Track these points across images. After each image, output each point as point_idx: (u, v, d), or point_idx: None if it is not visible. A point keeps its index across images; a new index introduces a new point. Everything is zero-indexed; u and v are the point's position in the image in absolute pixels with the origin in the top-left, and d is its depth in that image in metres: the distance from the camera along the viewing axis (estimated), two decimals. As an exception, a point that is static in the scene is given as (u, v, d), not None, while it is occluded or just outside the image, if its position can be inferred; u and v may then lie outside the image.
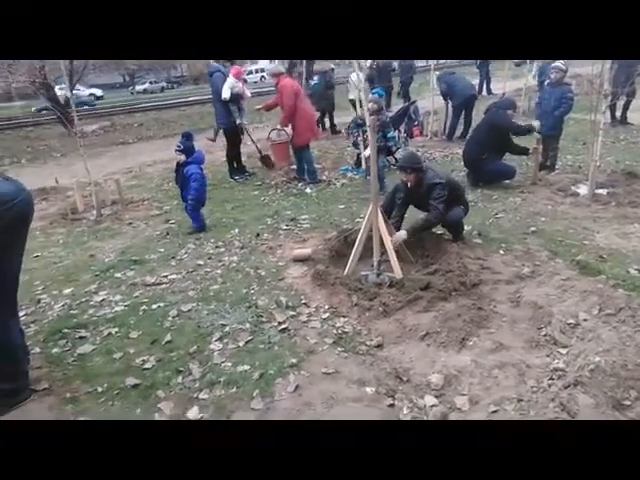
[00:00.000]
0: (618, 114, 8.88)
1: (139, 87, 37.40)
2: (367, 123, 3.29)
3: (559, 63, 6.68)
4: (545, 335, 2.76)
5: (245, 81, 7.40)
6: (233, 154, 7.05)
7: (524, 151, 5.84)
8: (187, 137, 4.99)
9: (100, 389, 2.52)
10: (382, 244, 3.45)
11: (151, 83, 38.27)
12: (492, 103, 6.35)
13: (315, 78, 10.14)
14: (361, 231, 3.57)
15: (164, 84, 39.66)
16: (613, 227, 4.35)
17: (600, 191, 5.24)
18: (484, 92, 13.95)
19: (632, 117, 8.83)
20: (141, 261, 4.21)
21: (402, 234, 3.73)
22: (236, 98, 6.55)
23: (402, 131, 7.75)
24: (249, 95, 6.98)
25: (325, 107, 10.01)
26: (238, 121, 6.70)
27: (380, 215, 3.42)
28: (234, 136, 6.89)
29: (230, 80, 6.51)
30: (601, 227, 4.37)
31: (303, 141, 6.33)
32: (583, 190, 5.36)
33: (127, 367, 2.70)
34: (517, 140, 5.92)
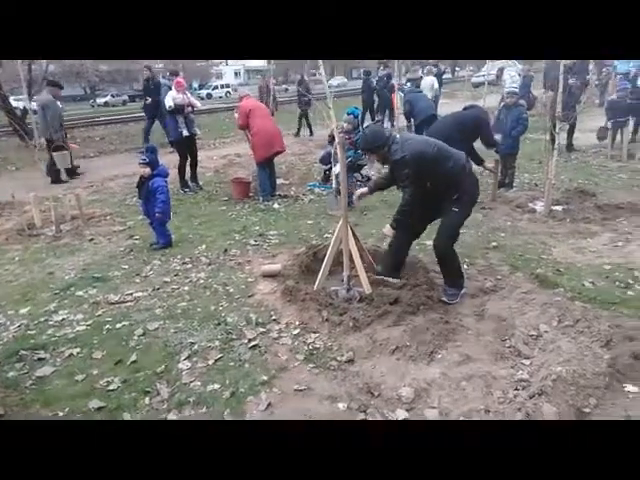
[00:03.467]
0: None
1: (100, 100, 36.52)
2: (336, 141, 3.34)
3: (512, 87, 7.04)
4: (509, 347, 2.85)
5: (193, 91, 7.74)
6: (182, 166, 7.13)
7: (479, 160, 5.93)
8: (152, 150, 4.95)
9: (61, 413, 2.41)
10: (351, 259, 3.49)
11: (113, 96, 37.49)
12: (470, 104, 6.40)
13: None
14: (330, 246, 3.59)
15: (126, 97, 38.98)
16: (569, 242, 4.57)
17: (556, 208, 5.50)
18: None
19: (582, 138, 9.35)
20: (104, 278, 4.08)
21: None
22: (181, 109, 6.73)
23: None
24: (199, 105, 7.21)
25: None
26: (185, 133, 6.84)
27: (350, 231, 3.47)
28: (182, 148, 7.06)
29: (171, 92, 6.78)
30: (557, 242, 4.58)
31: (258, 157, 6.46)
32: (540, 207, 5.61)
33: (90, 389, 2.60)
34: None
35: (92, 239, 5.19)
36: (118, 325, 3.26)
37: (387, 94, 12.15)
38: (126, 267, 4.33)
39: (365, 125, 6.81)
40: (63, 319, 3.41)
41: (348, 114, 5.97)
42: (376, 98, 12.94)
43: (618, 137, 8.17)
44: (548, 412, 2.20)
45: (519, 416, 2.19)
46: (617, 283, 3.57)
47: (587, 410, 2.24)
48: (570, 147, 8.76)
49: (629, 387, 2.41)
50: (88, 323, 3.32)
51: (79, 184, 8.05)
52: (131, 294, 3.75)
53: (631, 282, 3.57)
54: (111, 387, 2.60)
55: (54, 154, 7.57)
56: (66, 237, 5.29)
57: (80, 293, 3.83)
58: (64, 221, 5.78)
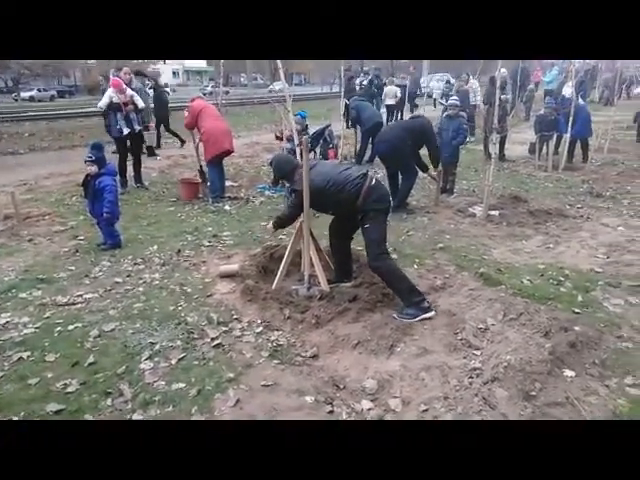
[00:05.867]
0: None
1: (25, 94, 34.03)
2: (295, 142, 3.44)
3: (454, 100, 7.47)
4: (461, 339, 3.05)
5: (134, 89, 7.56)
6: (119, 163, 6.91)
7: (425, 167, 6.29)
8: (98, 148, 4.77)
9: (16, 418, 2.29)
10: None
11: (39, 90, 35.14)
12: (416, 114, 6.76)
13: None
14: (289, 247, 3.66)
15: (54, 92, 36.69)
16: (506, 244, 4.93)
17: (493, 212, 5.90)
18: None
19: (511, 149, 10.08)
20: (49, 280, 3.88)
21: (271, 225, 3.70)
22: (117, 107, 6.70)
23: (318, 152, 8.04)
24: (141, 104, 7.08)
25: None
26: (126, 131, 6.81)
27: (310, 231, 3.55)
28: (121, 146, 7.02)
29: (108, 90, 6.79)
30: (496, 244, 4.93)
31: (208, 155, 6.39)
32: (478, 211, 5.99)
33: (46, 392, 2.48)
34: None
35: (31, 239, 4.89)
36: (70, 327, 3.13)
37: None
38: (73, 268, 4.13)
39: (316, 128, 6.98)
40: (7, 322, 3.21)
41: (295, 115, 6.12)
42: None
43: (544, 149, 8.88)
44: (500, 396, 2.40)
45: (476, 401, 2.37)
46: (551, 281, 3.91)
47: (533, 393, 2.47)
48: (502, 157, 9.40)
49: (567, 372, 2.67)
50: (36, 326, 3.15)
51: (6, 182, 7.52)
52: (81, 295, 3.60)
53: (562, 279, 3.93)
54: (69, 389, 2.50)
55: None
56: (1, 237, 4.95)
57: (23, 295, 3.61)
58: (-4, 220, 5.40)
